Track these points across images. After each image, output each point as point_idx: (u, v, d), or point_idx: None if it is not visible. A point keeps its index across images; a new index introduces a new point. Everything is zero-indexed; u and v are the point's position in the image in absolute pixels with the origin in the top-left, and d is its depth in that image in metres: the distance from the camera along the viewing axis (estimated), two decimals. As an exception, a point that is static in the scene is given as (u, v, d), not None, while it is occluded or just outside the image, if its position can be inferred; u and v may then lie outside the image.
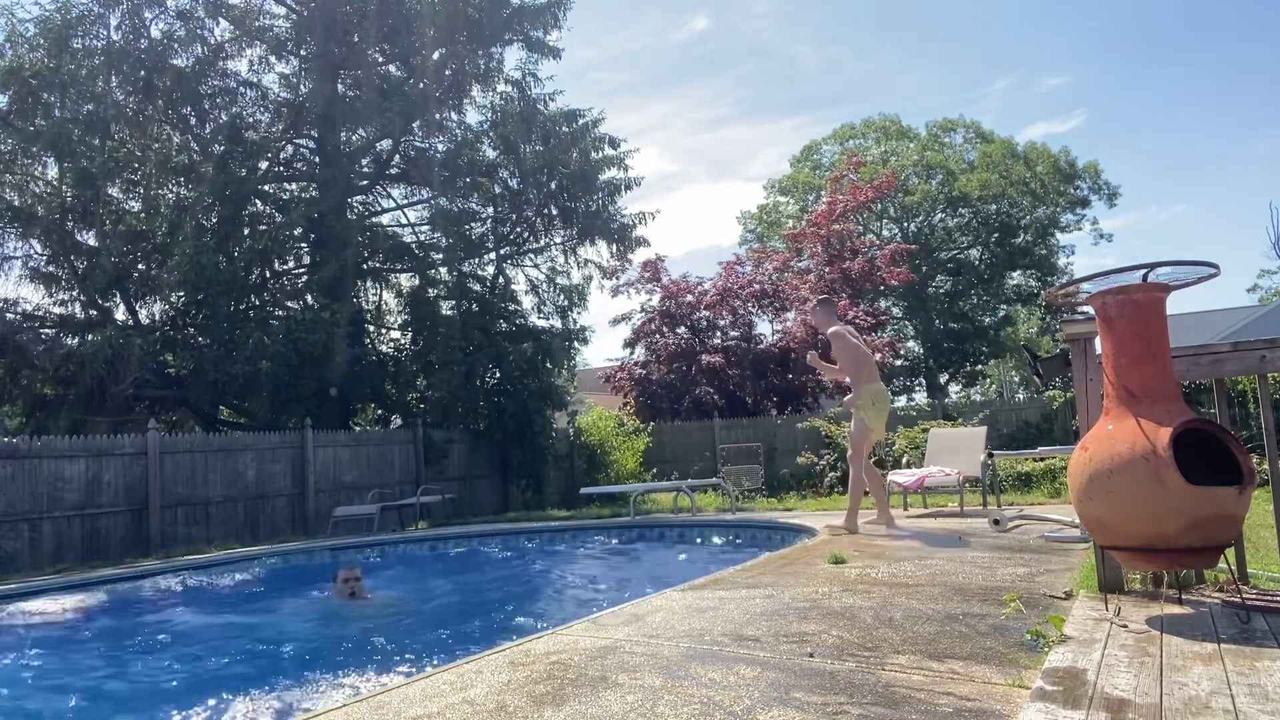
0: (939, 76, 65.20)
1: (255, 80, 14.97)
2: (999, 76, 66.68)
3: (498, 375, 15.16)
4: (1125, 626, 3.09)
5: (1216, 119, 65.07)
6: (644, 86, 69.82)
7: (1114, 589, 3.67)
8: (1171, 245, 76.32)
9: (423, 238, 17.24)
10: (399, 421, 16.01)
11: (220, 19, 14.45)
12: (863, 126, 39.29)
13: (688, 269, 70.24)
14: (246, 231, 14.29)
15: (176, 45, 13.67)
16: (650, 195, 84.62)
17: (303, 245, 15.08)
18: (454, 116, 16.07)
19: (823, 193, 30.83)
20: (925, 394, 34.49)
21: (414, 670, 3.98)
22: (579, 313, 17.27)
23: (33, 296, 13.90)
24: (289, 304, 15.02)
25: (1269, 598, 3.34)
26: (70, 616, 6.77)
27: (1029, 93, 65.19)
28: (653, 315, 19.03)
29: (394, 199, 17.28)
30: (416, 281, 16.90)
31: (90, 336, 12.91)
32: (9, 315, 13.16)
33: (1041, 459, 10.95)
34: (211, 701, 3.95)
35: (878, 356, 18.44)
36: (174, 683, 4.50)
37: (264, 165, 14.76)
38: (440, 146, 15.80)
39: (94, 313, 13.88)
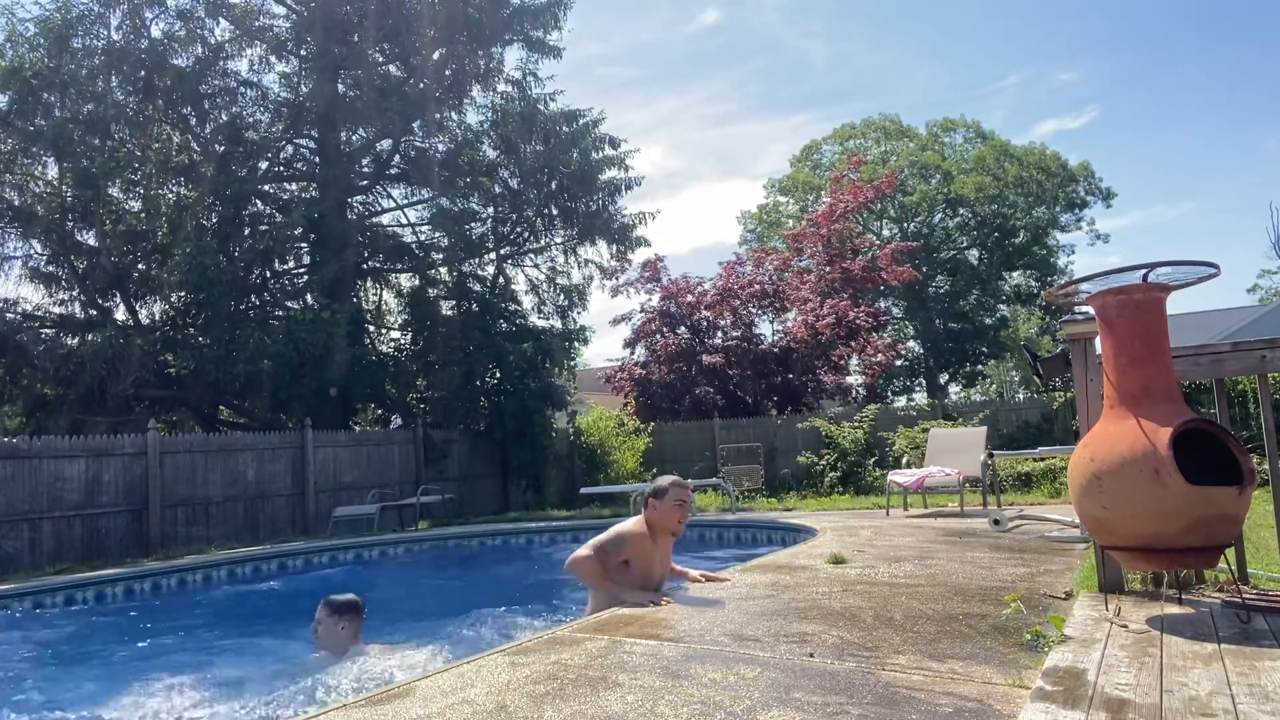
0: (950, 72, 65.18)
1: (255, 80, 14.98)
2: (1011, 71, 66.63)
3: (498, 375, 15.16)
4: (1125, 626, 3.08)
5: (1226, 115, 65.04)
6: (652, 81, 69.75)
7: (1114, 589, 3.67)
8: (1178, 244, 76.29)
9: (423, 238, 17.24)
10: (399, 421, 16.00)
11: (220, 19, 14.45)
12: (863, 126, 39.29)
13: (694, 266, 69.98)
14: (247, 231, 14.29)
15: (176, 45, 13.67)
16: (657, 192, 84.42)
17: (303, 245, 15.08)
18: (454, 116, 16.08)
19: (823, 193, 30.86)
20: (925, 394, 34.49)
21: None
22: (579, 313, 17.30)
23: (33, 296, 13.91)
24: (289, 304, 15.02)
25: (1269, 598, 3.34)
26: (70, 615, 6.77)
27: (1040, 88, 65.15)
28: (653, 315, 19.03)
29: (394, 199, 17.29)
30: (416, 281, 16.90)
31: (90, 336, 12.90)
32: (9, 315, 13.16)
33: (1041, 459, 10.96)
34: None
35: (879, 358, 18.46)
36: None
37: (264, 165, 14.76)
38: (440, 146, 15.80)
39: (94, 313, 13.87)
